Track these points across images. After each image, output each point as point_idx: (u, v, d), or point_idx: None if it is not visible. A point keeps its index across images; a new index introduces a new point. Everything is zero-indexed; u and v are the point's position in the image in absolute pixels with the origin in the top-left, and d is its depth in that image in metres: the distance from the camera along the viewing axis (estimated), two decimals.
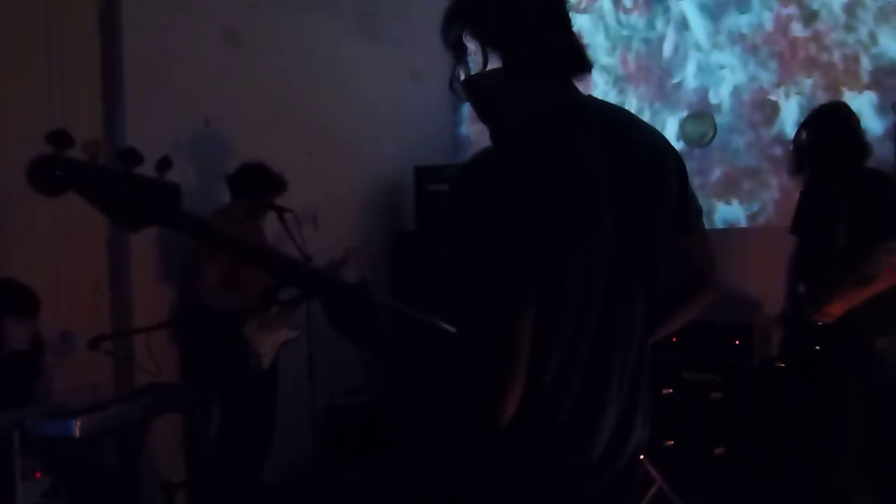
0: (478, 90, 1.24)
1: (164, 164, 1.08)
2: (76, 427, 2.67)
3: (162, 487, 3.33)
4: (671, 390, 3.85)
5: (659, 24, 4.68)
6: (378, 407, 4.20)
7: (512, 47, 1.20)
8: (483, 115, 1.27)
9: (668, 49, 4.64)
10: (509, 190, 1.09)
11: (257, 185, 3.49)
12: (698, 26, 4.57)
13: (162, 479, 3.46)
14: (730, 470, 3.71)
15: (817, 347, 2.79)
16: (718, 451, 3.74)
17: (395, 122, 4.88)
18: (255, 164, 3.54)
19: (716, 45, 4.49)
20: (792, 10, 4.23)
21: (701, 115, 4.42)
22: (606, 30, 4.81)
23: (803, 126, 2.94)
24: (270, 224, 3.63)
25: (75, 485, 2.77)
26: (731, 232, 4.23)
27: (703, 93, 4.50)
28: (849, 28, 4.06)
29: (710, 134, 4.39)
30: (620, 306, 1.20)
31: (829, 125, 2.88)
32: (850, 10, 4.07)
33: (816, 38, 4.14)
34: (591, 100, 1.28)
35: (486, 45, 1.21)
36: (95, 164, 1.02)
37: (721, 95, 4.45)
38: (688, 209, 1.35)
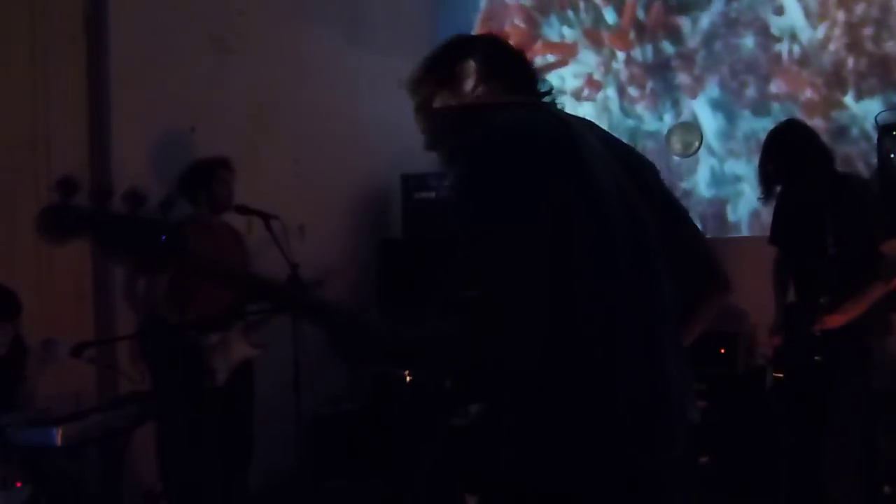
0: (468, 114, 1.36)
1: (168, 204, 1.10)
2: (58, 435, 2.63)
3: (144, 497, 3.30)
4: None
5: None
6: (362, 416, 4.18)
7: (507, 82, 1.37)
8: (453, 140, 1.38)
9: None
10: (525, 145, 1.17)
11: (200, 177, 3.44)
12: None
13: (144, 489, 3.42)
14: (714, 479, 3.71)
15: (817, 358, 2.79)
16: (703, 460, 3.75)
17: (383, 130, 4.88)
18: (191, 163, 3.50)
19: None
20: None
21: (686, 126, 4.44)
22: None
23: (767, 156, 2.93)
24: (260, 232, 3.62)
25: (56, 494, 2.73)
26: (715, 242, 4.26)
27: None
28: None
29: (696, 144, 4.41)
30: (651, 275, 1.23)
31: (792, 146, 2.89)
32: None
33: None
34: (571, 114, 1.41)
35: (488, 73, 1.37)
36: (102, 210, 1.04)
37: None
38: (672, 198, 1.42)
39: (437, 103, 1.41)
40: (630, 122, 4.53)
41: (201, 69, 3.97)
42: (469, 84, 1.36)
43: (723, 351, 3.80)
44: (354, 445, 4.08)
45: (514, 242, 1.10)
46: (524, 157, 1.15)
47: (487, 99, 1.35)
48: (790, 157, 2.88)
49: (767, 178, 2.95)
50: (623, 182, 1.26)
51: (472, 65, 1.37)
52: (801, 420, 2.94)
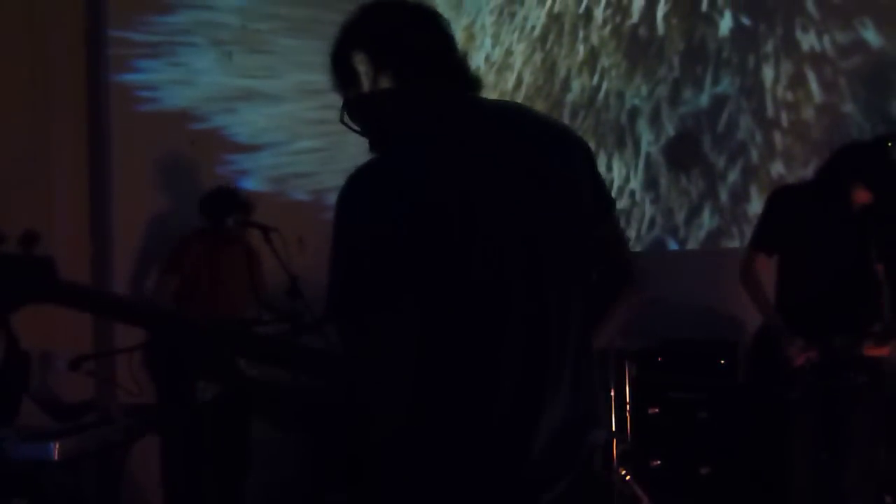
0: (369, 108, 1.26)
1: (29, 238, 1.06)
2: (55, 450, 2.61)
3: None
4: (657, 410, 3.85)
5: None
6: None
7: (404, 67, 1.22)
8: (371, 134, 1.29)
9: None
10: (376, 202, 1.11)
11: (215, 208, 3.49)
12: None
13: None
14: (716, 490, 3.70)
15: (863, 379, 2.68)
16: (704, 471, 3.73)
17: None
18: (221, 187, 3.57)
19: None
20: None
21: (685, 137, 4.42)
22: None
23: (865, 182, 2.66)
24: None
25: None
26: (716, 252, 4.25)
27: None
28: None
29: (694, 156, 4.39)
30: (546, 301, 1.16)
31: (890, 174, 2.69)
32: None
33: None
34: (483, 100, 1.28)
35: (379, 66, 1.23)
36: None
37: None
38: (599, 196, 1.30)
39: (349, 110, 1.30)
40: None
41: (201, 82, 3.98)
42: (367, 80, 1.24)
43: (722, 361, 3.79)
44: (355, 458, 4.06)
45: (359, 315, 1.08)
46: (369, 225, 1.09)
47: (380, 100, 1.23)
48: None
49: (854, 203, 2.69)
50: (526, 201, 1.17)
51: (362, 57, 1.24)
52: (823, 438, 2.83)
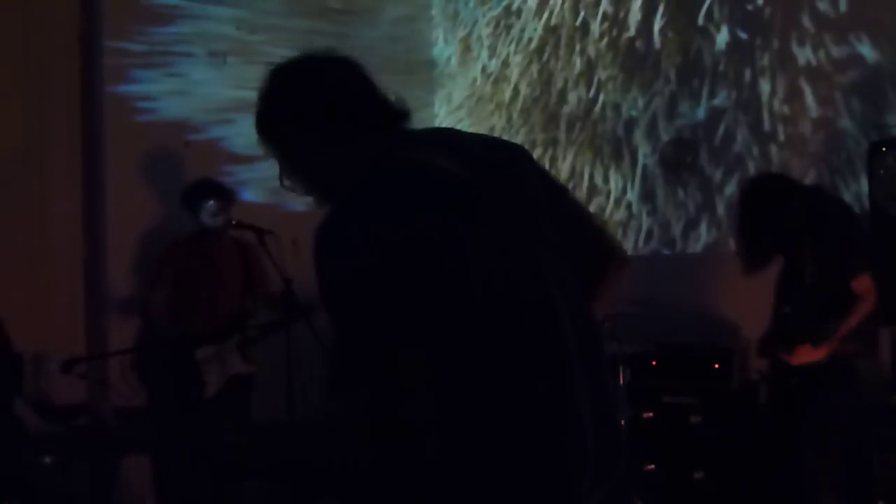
0: (311, 169, 1.29)
1: None
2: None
3: None
4: (651, 414, 3.85)
5: None
6: None
7: (324, 124, 1.26)
8: (321, 199, 1.31)
9: None
10: (364, 232, 1.13)
11: (188, 202, 3.46)
12: None
13: None
14: (709, 494, 3.69)
15: (793, 381, 2.82)
16: (698, 475, 3.72)
17: None
18: (190, 183, 3.52)
19: None
20: None
21: (680, 141, 4.45)
22: None
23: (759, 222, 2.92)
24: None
25: None
26: (710, 256, 4.27)
27: None
28: None
29: (688, 158, 4.42)
30: (554, 302, 1.19)
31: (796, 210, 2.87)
32: None
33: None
34: (421, 132, 1.34)
35: (301, 130, 1.27)
36: None
37: None
38: (550, 183, 1.35)
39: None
40: None
41: (195, 84, 4.00)
42: (295, 145, 1.28)
43: (717, 366, 3.79)
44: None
45: (360, 347, 1.11)
46: (361, 256, 1.10)
47: (315, 162, 1.27)
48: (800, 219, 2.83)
49: (762, 245, 2.94)
50: (499, 200, 1.21)
51: (289, 127, 1.28)
52: (783, 437, 2.94)
